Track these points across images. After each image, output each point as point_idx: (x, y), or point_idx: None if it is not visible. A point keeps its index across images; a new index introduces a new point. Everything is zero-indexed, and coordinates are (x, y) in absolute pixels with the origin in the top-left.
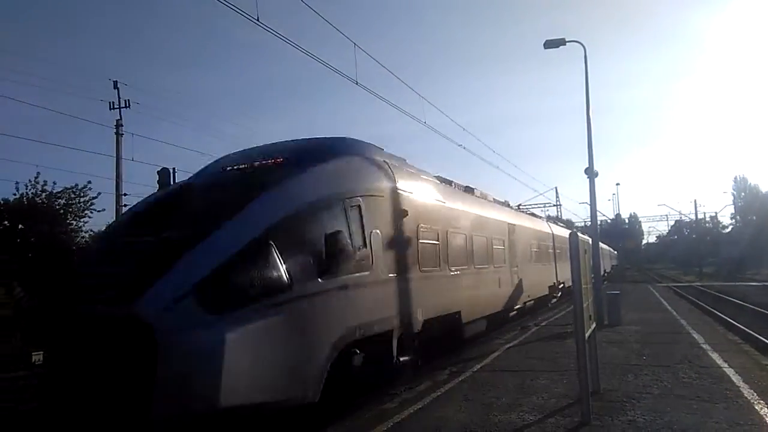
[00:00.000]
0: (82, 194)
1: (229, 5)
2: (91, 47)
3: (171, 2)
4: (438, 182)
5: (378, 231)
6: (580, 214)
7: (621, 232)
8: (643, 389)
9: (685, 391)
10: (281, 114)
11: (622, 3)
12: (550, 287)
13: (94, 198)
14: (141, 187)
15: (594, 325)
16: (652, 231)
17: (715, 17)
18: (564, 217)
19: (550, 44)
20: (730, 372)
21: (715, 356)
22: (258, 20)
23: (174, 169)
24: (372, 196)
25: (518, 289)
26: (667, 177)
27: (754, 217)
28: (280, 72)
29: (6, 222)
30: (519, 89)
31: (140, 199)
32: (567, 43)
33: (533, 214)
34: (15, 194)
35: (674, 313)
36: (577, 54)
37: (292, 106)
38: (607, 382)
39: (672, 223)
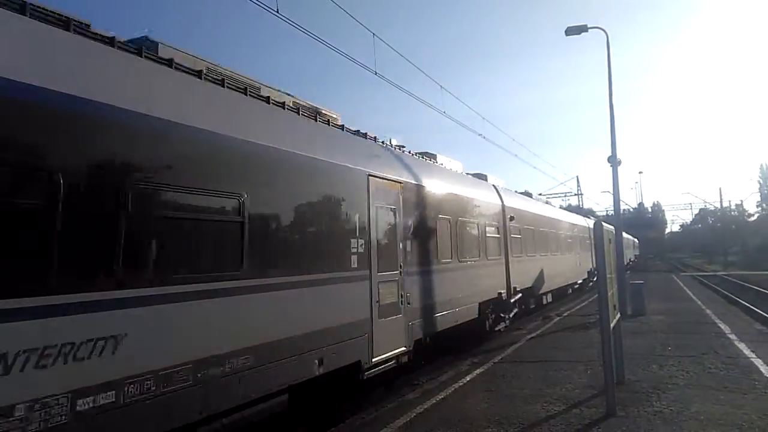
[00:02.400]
0: None
1: None
2: None
3: None
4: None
5: None
6: (602, 204)
7: (644, 221)
8: (668, 380)
9: (712, 382)
10: None
11: None
12: None
13: None
14: None
15: (618, 315)
16: (676, 220)
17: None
18: (586, 207)
19: (572, 31)
20: (758, 362)
21: (741, 346)
22: (277, 12)
23: None
24: None
25: None
26: (691, 165)
27: None
28: (295, 62)
29: None
30: (541, 78)
31: None
32: (589, 30)
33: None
34: None
35: (699, 302)
36: (602, 40)
37: (310, 96)
38: (632, 372)
39: (696, 211)
